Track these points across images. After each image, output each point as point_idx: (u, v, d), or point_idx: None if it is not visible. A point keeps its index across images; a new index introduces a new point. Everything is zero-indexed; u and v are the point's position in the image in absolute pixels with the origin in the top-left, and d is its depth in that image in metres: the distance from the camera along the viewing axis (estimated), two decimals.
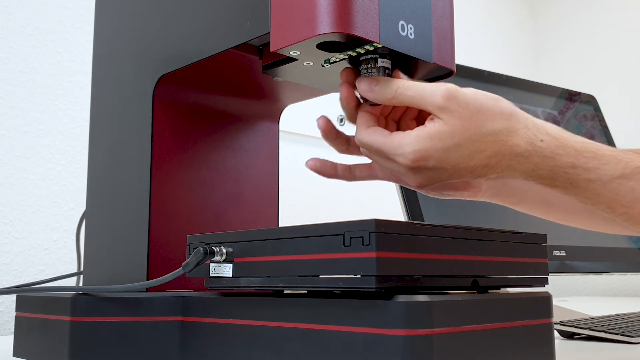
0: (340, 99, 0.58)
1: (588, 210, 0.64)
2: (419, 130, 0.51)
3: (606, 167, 0.52)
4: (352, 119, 0.58)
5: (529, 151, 0.52)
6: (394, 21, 0.54)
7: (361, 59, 0.56)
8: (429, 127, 0.51)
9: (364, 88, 0.55)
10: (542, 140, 0.52)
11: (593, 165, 0.52)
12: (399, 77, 0.55)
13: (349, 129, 0.59)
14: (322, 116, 0.60)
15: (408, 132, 0.52)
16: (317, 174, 0.62)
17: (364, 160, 0.60)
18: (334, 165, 0.62)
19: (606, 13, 2.18)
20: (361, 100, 0.58)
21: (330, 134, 0.60)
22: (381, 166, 0.59)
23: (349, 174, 0.63)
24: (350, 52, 0.55)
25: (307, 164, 0.61)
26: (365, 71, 0.56)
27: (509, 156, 0.52)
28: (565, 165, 0.52)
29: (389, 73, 0.56)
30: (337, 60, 0.57)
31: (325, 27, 0.50)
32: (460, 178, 0.53)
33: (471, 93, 0.51)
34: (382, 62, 0.56)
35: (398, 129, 0.60)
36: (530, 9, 2.37)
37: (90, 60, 1.07)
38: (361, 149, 0.56)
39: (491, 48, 2.17)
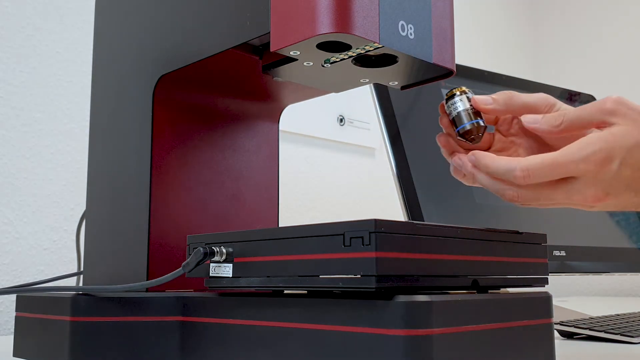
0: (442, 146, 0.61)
1: None
2: (595, 132, 0.51)
3: None
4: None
5: None
6: (394, 21, 0.54)
7: (448, 95, 0.60)
8: (605, 130, 0.51)
9: (529, 121, 0.56)
10: None
11: None
12: (476, 100, 0.58)
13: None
14: (440, 134, 0.61)
15: (582, 137, 0.52)
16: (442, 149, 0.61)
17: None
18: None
19: (606, 13, 2.18)
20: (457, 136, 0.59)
21: (450, 149, 0.60)
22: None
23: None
24: (350, 52, 0.55)
25: (437, 137, 0.61)
26: (455, 110, 0.59)
27: None
28: None
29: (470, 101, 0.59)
30: (337, 60, 0.57)
31: (325, 27, 0.50)
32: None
33: (636, 103, 0.53)
34: (467, 94, 0.60)
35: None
36: (531, 8, 2.37)
37: (90, 60, 1.07)
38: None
39: (491, 48, 2.17)
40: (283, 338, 0.50)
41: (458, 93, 0.59)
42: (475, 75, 1.17)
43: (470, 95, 0.59)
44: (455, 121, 0.59)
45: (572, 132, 0.55)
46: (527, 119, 0.57)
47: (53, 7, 1.12)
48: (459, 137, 0.59)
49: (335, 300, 0.47)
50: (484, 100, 0.58)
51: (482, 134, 0.59)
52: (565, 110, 0.56)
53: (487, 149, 0.61)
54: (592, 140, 0.51)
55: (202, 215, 0.71)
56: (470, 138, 0.59)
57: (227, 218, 0.73)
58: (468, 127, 0.58)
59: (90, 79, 0.92)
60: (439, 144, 0.61)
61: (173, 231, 0.68)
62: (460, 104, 0.59)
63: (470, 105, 0.59)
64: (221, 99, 0.74)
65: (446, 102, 0.60)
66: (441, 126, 0.60)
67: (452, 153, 0.60)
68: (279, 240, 0.51)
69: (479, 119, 0.59)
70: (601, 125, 0.52)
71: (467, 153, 0.58)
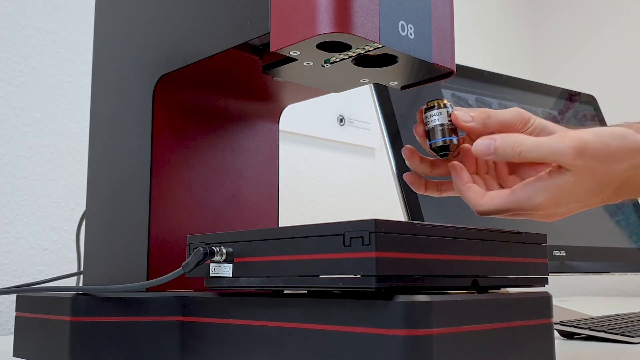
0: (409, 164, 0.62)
1: None
2: (545, 181, 0.52)
3: None
4: (421, 170, 0.62)
5: None
6: (394, 21, 0.54)
7: (428, 105, 0.59)
8: (557, 179, 0.52)
9: (482, 153, 0.54)
10: None
11: None
12: (457, 116, 0.57)
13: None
14: (407, 147, 0.62)
15: (532, 182, 0.53)
16: (410, 186, 0.63)
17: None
18: (425, 181, 0.63)
19: (606, 13, 2.18)
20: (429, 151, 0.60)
21: (415, 161, 0.62)
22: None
23: (436, 191, 0.63)
24: (350, 52, 0.55)
25: (404, 176, 0.63)
26: (432, 122, 0.59)
27: (636, 187, 0.54)
28: None
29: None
30: (337, 60, 0.57)
31: (325, 27, 0.50)
32: (587, 208, 0.55)
33: (598, 142, 0.52)
34: (448, 108, 0.59)
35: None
36: (531, 8, 2.37)
37: (90, 60, 1.07)
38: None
39: (491, 48, 2.17)
40: (283, 338, 0.50)
41: (437, 106, 0.58)
42: (475, 75, 1.17)
43: (450, 110, 0.58)
44: (429, 134, 0.59)
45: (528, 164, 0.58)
46: (480, 150, 0.55)
47: (53, 7, 1.12)
48: (430, 149, 0.59)
49: (335, 300, 0.47)
50: (464, 118, 0.57)
51: (454, 152, 0.59)
52: (524, 141, 0.53)
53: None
54: (540, 191, 0.53)
55: (202, 215, 0.71)
56: (441, 154, 0.59)
57: (227, 218, 0.73)
58: (440, 143, 0.58)
59: (90, 79, 0.92)
60: (403, 155, 0.62)
61: (173, 231, 0.68)
62: (438, 118, 0.58)
63: (449, 120, 0.58)
64: (221, 99, 0.74)
65: (424, 112, 0.59)
66: (415, 134, 0.60)
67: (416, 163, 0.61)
68: (279, 240, 0.51)
69: (453, 136, 0.58)
70: (554, 169, 0.53)
71: (428, 163, 0.61)
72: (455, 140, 0.58)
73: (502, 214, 0.55)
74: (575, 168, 0.51)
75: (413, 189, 0.63)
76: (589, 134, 0.52)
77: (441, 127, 0.58)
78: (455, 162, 0.59)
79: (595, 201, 0.54)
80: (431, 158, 0.62)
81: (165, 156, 0.69)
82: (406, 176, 0.62)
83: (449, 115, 0.58)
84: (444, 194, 0.63)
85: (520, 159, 0.53)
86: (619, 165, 0.52)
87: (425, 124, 0.59)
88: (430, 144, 0.59)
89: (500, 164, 0.60)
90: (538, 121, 0.59)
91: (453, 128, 0.58)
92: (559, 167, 0.52)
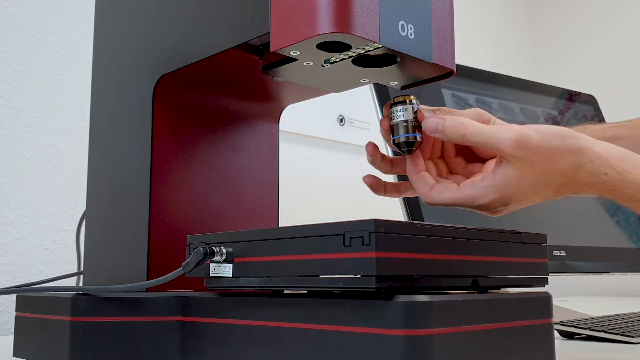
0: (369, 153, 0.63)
1: None
2: (490, 180, 0.54)
3: None
4: (381, 168, 0.63)
5: (593, 182, 0.55)
6: (394, 21, 0.54)
7: (395, 100, 0.59)
8: (500, 173, 0.54)
9: (432, 130, 0.56)
10: (605, 174, 0.55)
11: None
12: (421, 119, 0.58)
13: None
14: (370, 142, 0.63)
15: (478, 181, 0.55)
16: (370, 189, 0.65)
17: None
18: (384, 183, 0.64)
19: (606, 13, 2.18)
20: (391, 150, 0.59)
21: (376, 158, 0.63)
22: None
23: (395, 192, 0.65)
24: (350, 52, 0.55)
25: (363, 178, 0.64)
26: (397, 118, 0.58)
27: (576, 186, 0.56)
28: (627, 198, 0.56)
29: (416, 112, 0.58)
30: (337, 60, 0.57)
31: (326, 27, 0.50)
32: (530, 204, 0.57)
33: (539, 139, 0.53)
34: (413, 104, 0.59)
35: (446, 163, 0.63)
36: (531, 8, 2.37)
37: (90, 60, 1.07)
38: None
39: (491, 48, 2.17)
40: (283, 338, 0.50)
41: (403, 102, 0.58)
42: (475, 75, 1.17)
43: (415, 106, 0.58)
44: (394, 129, 0.59)
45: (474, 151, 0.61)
46: (429, 127, 0.56)
47: (53, 7, 1.12)
48: (393, 144, 0.59)
49: (335, 300, 0.47)
50: (428, 115, 0.58)
51: (417, 148, 0.59)
52: (470, 124, 0.55)
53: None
54: (485, 192, 0.54)
55: (202, 215, 0.71)
56: (403, 150, 0.59)
57: (227, 218, 0.73)
58: (403, 139, 0.58)
59: (90, 79, 0.92)
60: (366, 150, 0.63)
61: (173, 231, 0.68)
62: (403, 114, 0.58)
63: (414, 116, 0.58)
64: (221, 99, 0.74)
65: (391, 107, 0.59)
66: (380, 127, 0.60)
67: (377, 161, 0.62)
68: (279, 240, 0.51)
69: (417, 133, 0.58)
70: (500, 158, 0.54)
71: (389, 161, 0.63)
72: (418, 137, 0.58)
73: (448, 206, 0.57)
74: (514, 160, 0.53)
75: (373, 192, 0.64)
76: (531, 130, 0.53)
77: (405, 124, 0.58)
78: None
79: (538, 198, 0.56)
80: (391, 157, 0.63)
81: (165, 156, 0.69)
82: (365, 179, 0.64)
83: (415, 112, 0.58)
84: (404, 195, 0.65)
85: (464, 142, 0.55)
86: (559, 164, 0.54)
87: (391, 119, 0.59)
88: (394, 139, 0.59)
89: (448, 146, 0.62)
90: (498, 122, 0.61)
91: (418, 125, 0.58)
92: (501, 160, 0.54)
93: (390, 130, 0.59)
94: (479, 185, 0.55)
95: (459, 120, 0.55)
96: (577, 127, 0.76)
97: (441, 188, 0.57)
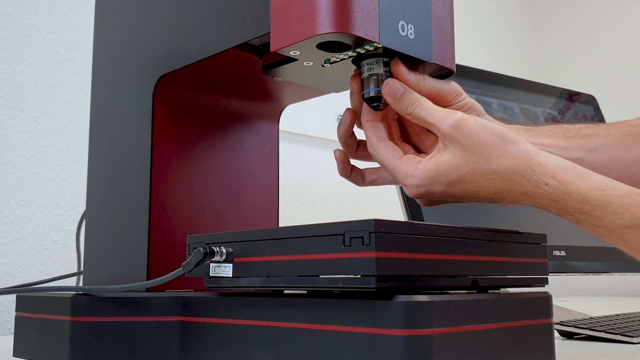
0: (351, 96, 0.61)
1: None
2: (425, 163, 0.54)
3: (613, 217, 0.51)
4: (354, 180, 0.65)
5: (534, 192, 0.52)
6: (394, 21, 0.54)
7: (365, 60, 0.57)
8: (436, 157, 0.53)
9: (389, 93, 0.55)
10: (547, 184, 0.52)
11: (599, 213, 0.51)
12: (398, 67, 0.56)
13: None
14: (348, 108, 0.62)
15: (415, 162, 0.54)
16: (336, 168, 0.64)
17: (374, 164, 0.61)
18: (350, 167, 0.64)
19: (606, 13, 2.18)
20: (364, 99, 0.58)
21: (348, 131, 0.63)
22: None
23: (360, 177, 0.64)
24: (350, 52, 0.55)
25: (334, 151, 0.64)
26: (368, 71, 0.57)
27: (514, 194, 0.53)
28: (572, 210, 0.52)
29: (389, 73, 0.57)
30: (337, 60, 0.57)
31: (326, 27, 0.50)
32: (461, 202, 0.56)
33: (478, 127, 0.52)
34: (385, 66, 0.57)
35: (407, 131, 0.62)
36: (531, 8, 2.37)
37: (90, 60, 1.07)
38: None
39: (491, 48, 2.17)
40: (283, 338, 0.50)
41: (374, 54, 0.56)
42: (475, 75, 1.17)
43: (387, 61, 0.56)
44: (364, 83, 0.57)
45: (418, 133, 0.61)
46: (387, 92, 0.55)
47: (53, 7, 1.12)
48: (364, 100, 0.57)
49: (335, 300, 0.47)
50: (402, 69, 0.56)
51: (387, 104, 0.57)
52: (422, 102, 0.54)
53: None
54: (418, 173, 0.54)
55: (202, 215, 0.71)
56: (372, 105, 0.57)
57: (227, 218, 0.73)
58: (373, 93, 0.56)
59: (90, 79, 0.92)
60: (340, 124, 0.62)
61: (173, 231, 0.68)
62: (374, 67, 0.56)
63: (385, 70, 0.56)
64: (221, 99, 0.74)
65: (361, 60, 0.57)
66: (350, 83, 0.59)
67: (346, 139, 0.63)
68: (279, 240, 0.51)
69: None
70: (440, 144, 0.54)
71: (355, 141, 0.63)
72: None
73: (382, 170, 0.60)
74: (449, 144, 0.52)
75: (339, 171, 0.64)
76: (474, 119, 0.53)
77: (375, 77, 0.56)
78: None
79: (472, 198, 0.54)
80: (360, 139, 0.63)
81: (165, 156, 0.69)
82: (336, 152, 0.64)
83: (386, 65, 0.56)
84: (367, 184, 0.65)
85: (411, 117, 0.55)
86: (495, 163, 0.52)
87: (361, 73, 0.57)
88: (363, 94, 0.57)
89: (402, 128, 0.61)
90: (471, 100, 0.60)
91: (390, 79, 0.56)
92: (440, 148, 0.53)
93: (360, 87, 0.58)
94: (414, 164, 0.54)
95: (416, 94, 0.55)
96: (551, 126, 0.74)
97: (385, 148, 0.56)
